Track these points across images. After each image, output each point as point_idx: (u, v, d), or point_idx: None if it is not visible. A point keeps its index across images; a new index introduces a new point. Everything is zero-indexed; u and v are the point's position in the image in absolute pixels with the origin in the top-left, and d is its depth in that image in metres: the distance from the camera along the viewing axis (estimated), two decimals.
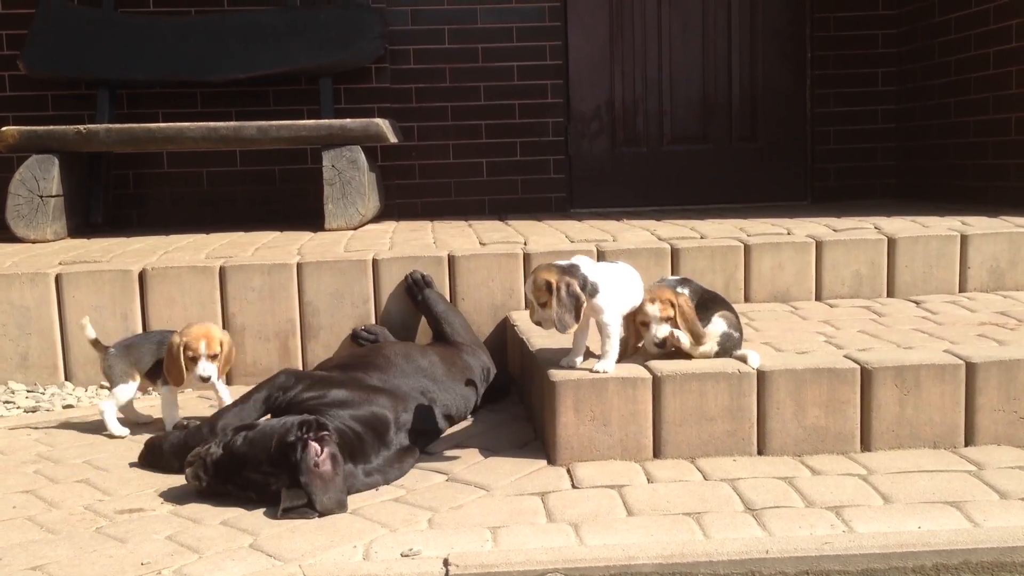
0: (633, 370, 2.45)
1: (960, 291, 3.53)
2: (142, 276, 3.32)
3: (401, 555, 1.91)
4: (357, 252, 3.46)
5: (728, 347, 2.52)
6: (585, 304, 2.38)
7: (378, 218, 4.87)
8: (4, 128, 4.26)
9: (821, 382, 2.44)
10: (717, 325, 2.51)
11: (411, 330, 3.36)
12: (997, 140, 4.66)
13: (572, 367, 2.48)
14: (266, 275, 3.32)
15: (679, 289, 2.51)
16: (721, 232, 3.69)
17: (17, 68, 4.92)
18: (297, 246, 3.69)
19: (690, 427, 2.43)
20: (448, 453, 2.55)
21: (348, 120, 4.31)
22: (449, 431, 2.76)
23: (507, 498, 2.21)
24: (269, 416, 2.53)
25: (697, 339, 2.46)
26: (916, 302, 3.37)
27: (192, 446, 2.37)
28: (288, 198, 5.19)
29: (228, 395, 2.79)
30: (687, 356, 2.50)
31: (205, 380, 2.72)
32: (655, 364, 2.47)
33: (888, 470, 2.31)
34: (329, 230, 4.22)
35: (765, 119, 5.62)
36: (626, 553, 1.89)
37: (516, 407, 3.00)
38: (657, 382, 2.42)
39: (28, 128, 4.24)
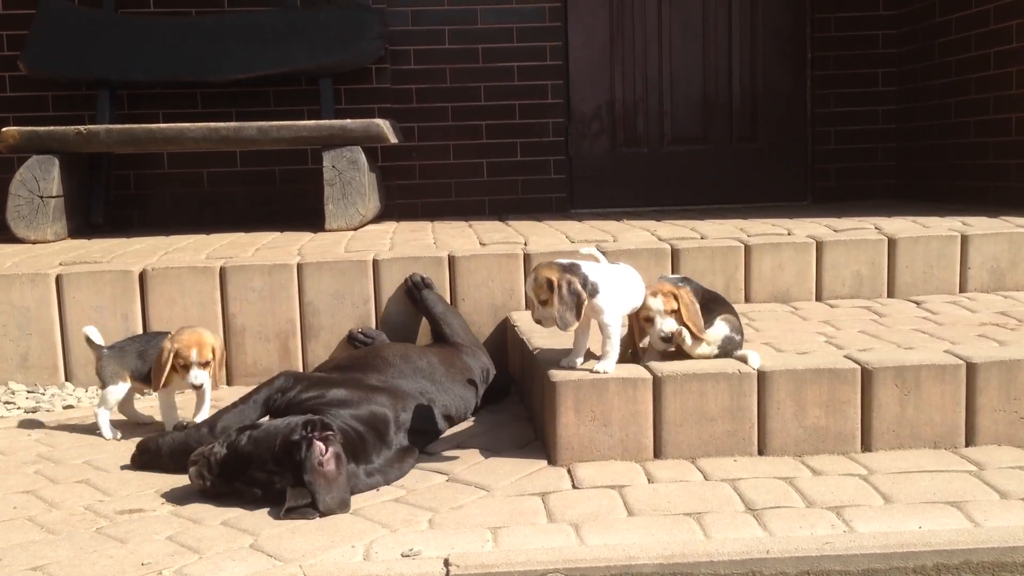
0: (633, 370, 2.45)
1: (960, 291, 3.53)
2: (143, 276, 3.32)
3: (402, 555, 1.91)
4: (357, 252, 3.46)
5: (729, 350, 2.52)
6: (586, 303, 2.38)
7: (378, 218, 4.87)
8: (4, 129, 4.26)
9: (821, 382, 2.44)
10: (720, 328, 2.51)
11: (412, 331, 3.36)
12: (997, 140, 4.66)
13: (573, 367, 2.48)
14: (266, 275, 3.32)
15: (680, 285, 2.51)
16: (721, 232, 3.69)
17: (17, 68, 4.92)
18: (297, 246, 3.69)
19: (691, 427, 2.43)
20: (448, 453, 2.54)
21: (348, 120, 4.31)
22: (449, 431, 2.75)
23: (508, 498, 2.21)
24: (269, 417, 2.53)
25: (699, 331, 2.46)
26: (916, 302, 3.37)
27: (192, 447, 2.37)
28: (288, 198, 5.19)
29: (208, 409, 2.77)
30: (687, 356, 2.50)
31: (197, 388, 2.69)
32: (655, 364, 2.47)
33: (889, 470, 2.31)
34: (329, 230, 4.22)
35: (765, 119, 5.62)
36: (627, 553, 1.89)
37: (516, 407, 3.00)
38: (657, 382, 2.42)
39: (28, 129, 4.24)
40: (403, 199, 5.31)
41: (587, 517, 2.08)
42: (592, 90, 5.52)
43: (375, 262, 3.37)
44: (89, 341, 2.84)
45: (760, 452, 2.45)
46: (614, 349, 2.45)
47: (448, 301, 3.36)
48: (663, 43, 5.55)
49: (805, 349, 2.65)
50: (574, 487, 2.27)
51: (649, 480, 2.30)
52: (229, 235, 4.25)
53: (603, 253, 2.65)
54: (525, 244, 3.53)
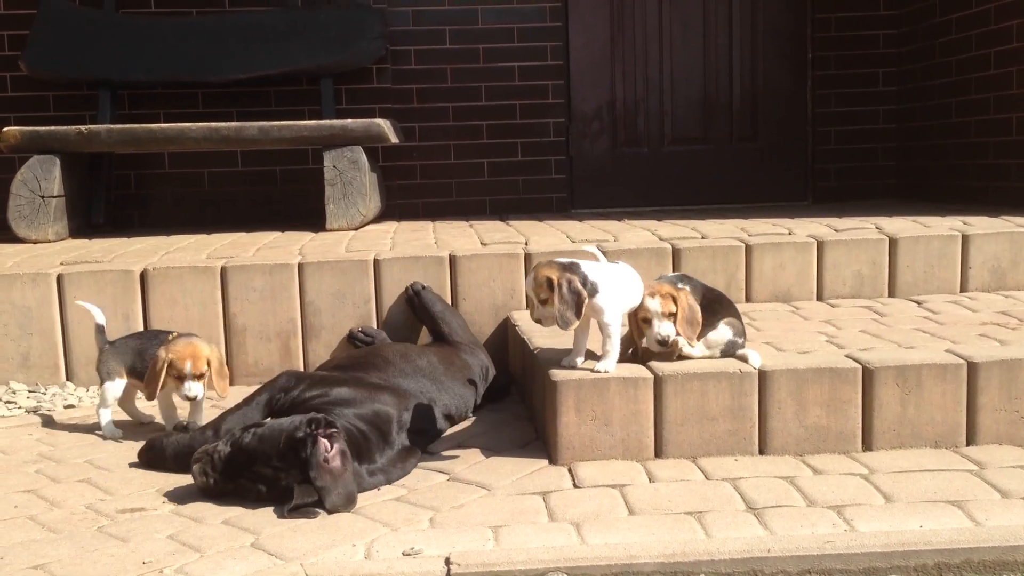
0: (634, 370, 2.45)
1: (961, 291, 3.53)
2: (143, 276, 3.32)
3: (403, 554, 1.91)
4: (358, 252, 3.46)
5: (730, 353, 2.52)
6: (586, 303, 2.38)
7: (379, 218, 4.87)
8: (6, 128, 4.26)
9: (822, 382, 2.44)
10: (723, 332, 2.51)
11: (412, 331, 3.36)
12: (998, 140, 4.66)
13: (573, 367, 2.48)
14: (267, 275, 3.33)
15: (679, 285, 2.50)
16: (722, 232, 3.69)
17: (18, 68, 4.92)
18: (298, 246, 3.69)
19: (691, 427, 2.43)
20: (449, 453, 2.55)
21: (349, 120, 4.31)
22: (450, 431, 2.76)
23: (508, 497, 2.21)
24: (271, 418, 2.53)
25: (691, 340, 2.45)
26: (917, 302, 3.37)
27: (196, 449, 2.36)
28: (289, 198, 5.19)
29: (203, 411, 2.75)
30: (688, 356, 2.50)
31: (191, 400, 2.67)
32: (656, 364, 2.47)
33: (890, 469, 2.31)
34: (330, 230, 4.22)
35: (766, 119, 5.62)
36: (628, 552, 1.89)
37: (517, 407, 3.00)
38: (658, 382, 2.42)
39: (29, 128, 4.25)
40: (404, 199, 5.31)
41: (588, 516, 2.08)
42: (593, 90, 5.52)
43: (376, 262, 3.37)
44: (98, 330, 2.84)
45: (761, 451, 2.45)
46: (614, 348, 2.45)
47: (448, 301, 3.36)
48: (663, 43, 5.55)
49: (806, 348, 2.65)
50: (575, 486, 2.27)
51: (650, 479, 2.30)
52: (230, 235, 4.25)
53: (604, 253, 2.65)
54: (526, 244, 3.54)
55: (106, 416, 2.78)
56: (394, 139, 4.44)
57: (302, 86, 5.13)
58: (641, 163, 5.58)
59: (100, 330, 2.85)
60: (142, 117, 5.01)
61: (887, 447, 2.45)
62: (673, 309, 2.42)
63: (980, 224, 3.67)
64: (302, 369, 3.31)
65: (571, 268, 2.41)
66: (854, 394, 2.44)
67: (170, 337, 2.75)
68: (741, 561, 1.87)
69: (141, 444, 2.58)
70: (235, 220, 5.04)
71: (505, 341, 3.36)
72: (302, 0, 5.14)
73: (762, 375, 2.44)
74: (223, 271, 3.33)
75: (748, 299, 3.47)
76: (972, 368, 2.46)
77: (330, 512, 2.12)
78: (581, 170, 5.54)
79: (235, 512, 2.16)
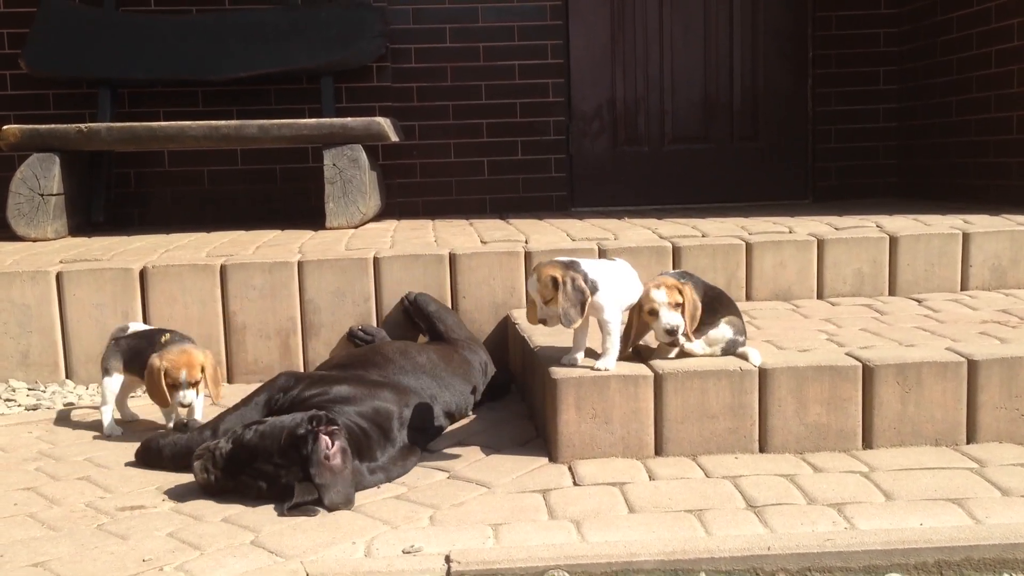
0: (634, 368, 2.45)
1: (962, 289, 3.52)
2: (143, 274, 3.32)
3: (403, 552, 1.91)
4: (358, 250, 3.46)
5: (731, 351, 2.51)
6: (589, 300, 2.38)
7: (379, 217, 4.87)
8: (5, 127, 4.26)
9: (823, 380, 2.44)
10: (724, 331, 2.50)
11: (413, 330, 3.35)
12: (999, 139, 4.65)
13: (573, 365, 2.48)
14: (267, 273, 3.32)
15: (682, 280, 2.50)
16: (723, 230, 3.68)
17: (18, 67, 4.92)
18: (298, 244, 3.69)
19: (691, 425, 2.43)
20: (449, 451, 2.54)
21: (349, 119, 4.31)
22: (450, 428, 2.75)
23: (509, 495, 2.21)
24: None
25: (690, 334, 2.44)
26: (918, 300, 3.37)
27: (193, 449, 2.36)
28: (289, 197, 5.19)
29: (201, 413, 2.75)
30: (689, 353, 2.50)
31: (186, 406, 2.67)
32: (656, 362, 2.47)
33: (890, 467, 2.30)
34: (330, 229, 4.22)
35: (766, 118, 5.61)
36: (628, 550, 1.89)
37: (517, 405, 3.00)
38: (659, 380, 2.42)
39: (29, 127, 4.24)
40: (404, 197, 5.31)
41: (588, 514, 2.08)
42: (593, 89, 5.52)
43: (376, 260, 3.37)
44: (119, 330, 2.88)
45: (761, 449, 2.45)
46: (614, 346, 2.45)
47: (448, 299, 3.36)
48: (664, 42, 5.54)
49: (806, 347, 2.65)
50: (575, 484, 2.27)
51: (650, 477, 2.30)
52: (230, 233, 4.25)
53: (604, 251, 2.64)
54: (526, 242, 3.53)
55: (107, 414, 2.78)
56: (394, 137, 4.44)
57: (302, 84, 5.13)
58: (642, 162, 5.58)
59: (122, 330, 2.88)
60: (142, 115, 5.01)
61: (887, 445, 2.45)
62: (679, 300, 2.42)
63: (981, 223, 3.67)
64: (302, 367, 3.31)
65: (573, 266, 2.41)
66: (854, 392, 2.44)
67: (163, 339, 2.75)
68: (741, 559, 1.87)
69: (139, 443, 2.58)
70: (235, 218, 5.04)
71: (505, 339, 3.36)
72: None
73: (762, 373, 2.43)
74: (223, 269, 3.33)
75: (748, 297, 3.47)
76: (972, 366, 2.46)
77: (330, 510, 2.12)
78: (581, 168, 5.53)
79: (235, 510, 2.16)
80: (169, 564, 1.88)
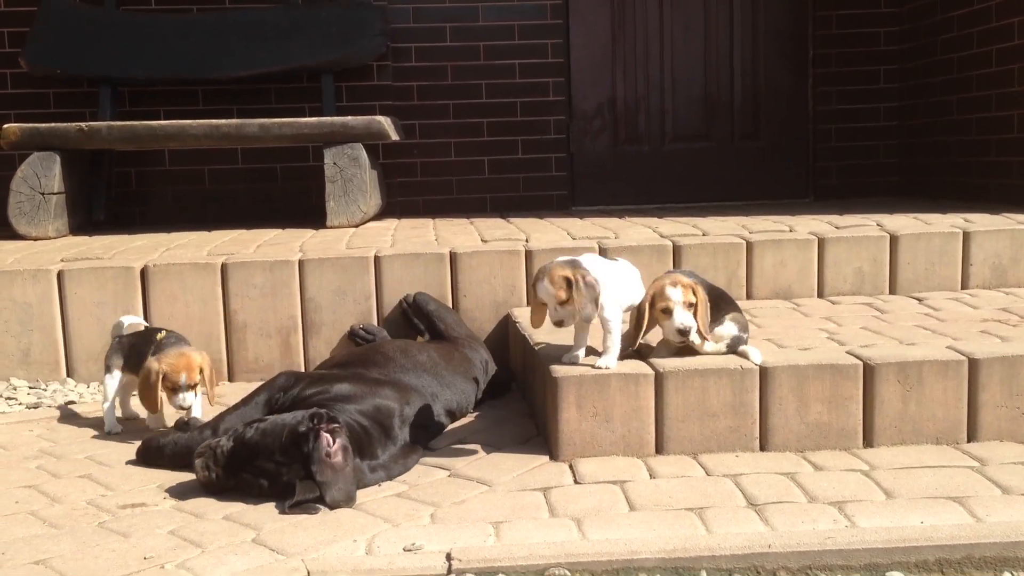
0: (635, 366, 2.45)
1: (962, 288, 3.52)
2: (144, 273, 3.32)
3: (404, 549, 1.91)
4: (359, 249, 3.46)
5: (735, 348, 2.52)
6: (599, 293, 2.38)
7: (380, 216, 4.87)
8: (6, 125, 4.26)
9: (823, 378, 2.44)
10: (729, 328, 2.50)
11: (413, 329, 3.35)
12: (999, 137, 4.65)
13: (574, 363, 2.48)
14: (268, 272, 3.32)
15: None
16: (723, 229, 3.68)
17: (19, 66, 4.92)
18: (299, 243, 3.69)
19: (692, 423, 2.43)
20: (450, 449, 2.55)
21: (350, 118, 4.31)
22: (451, 427, 2.75)
23: (509, 493, 2.21)
24: None
25: (705, 330, 2.44)
26: (918, 299, 3.37)
27: (193, 448, 2.36)
28: (290, 196, 5.19)
29: (201, 411, 2.73)
30: (695, 352, 2.50)
31: (185, 409, 2.67)
32: (657, 360, 2.47)
33: (891, 466, 2.31)
34: (331, 227, 4.22)
35: (767, 117, 5.61)
36: (628, 548, 1.89)
37: (518, 403, 3.00)
38: (659, 378, 2.42)
39: (30, 125, 4.24)
40: (404, 196, 5.31)
41: (589, 512, 2.08)
42: (593, 88, 5.52)
43: (376, 259, 3.37)
44: (118, 327, 2.90)
45: (762, 448, 2.45)
46: (615, 344, 2.45)
47: (449, 298, 3.36)
48: (664, 41, 5.54)
49: (807, 345, 2.65)
50: (576, 482, 2.27)
51: (651, 475, 2.30)
52: (231, 232, 4.25)
53: (605, 250, 2.64)
54: (527, 241, 3.53)
55: (109, 411, 2.78)
56: (395, 136, 4.44)
57: (303, 83, 5.13)
58: (642, 161, 5.58)
59: (118, 326, 2.89)
60: (142, 114, 5.01)
61: (888, 443, 2.45)
62: (693, 300, 2.41)
63: (981, 221, 3.67)
64: (303, 366, 3.31)
65: (577, 264, 2.41)
66: (855, 390, 2.44)
67: (158, 337, 2.75)
68: (742, 557, 1.87)
69: (140, 441, 2.58)
70: (236, 217, 5.04)
71: (506, 338, 3.36)
72: None
73: (763, 371, 2.44)
74: (224, 268, 3.33)
75: (749, 296, 3.47)
76: (973, 365, 2.46)
77: (331, 507, 2.12)
78: (582, 167, 5.53)
79: (236, 508, 2.16)
80: (170, 562, 1.88)
